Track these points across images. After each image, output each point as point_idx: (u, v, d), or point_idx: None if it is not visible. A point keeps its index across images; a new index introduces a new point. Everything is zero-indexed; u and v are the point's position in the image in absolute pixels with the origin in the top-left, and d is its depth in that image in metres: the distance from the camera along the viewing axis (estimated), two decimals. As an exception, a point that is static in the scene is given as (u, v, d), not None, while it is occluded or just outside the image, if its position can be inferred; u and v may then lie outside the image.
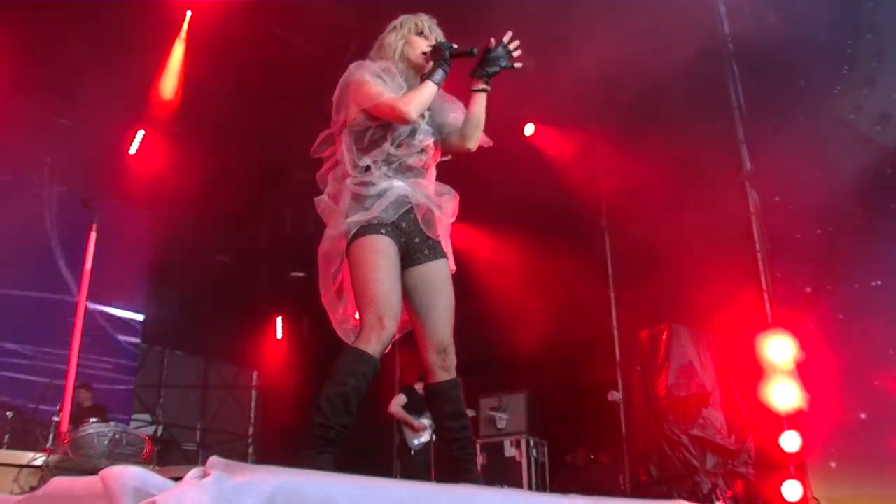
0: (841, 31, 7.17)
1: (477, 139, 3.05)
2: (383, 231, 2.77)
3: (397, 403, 7.60)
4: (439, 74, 2.88)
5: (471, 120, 3.00)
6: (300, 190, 12.45)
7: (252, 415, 13.74)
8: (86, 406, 8.39)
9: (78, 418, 7.24)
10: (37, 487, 2.68)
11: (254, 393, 13.89)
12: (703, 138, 8.40)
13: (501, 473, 8.07)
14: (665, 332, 7.16)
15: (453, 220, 3.07)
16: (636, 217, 8.79)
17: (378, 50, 3.12)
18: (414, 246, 2.88)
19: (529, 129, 10.16)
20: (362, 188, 2.84)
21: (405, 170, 2.91)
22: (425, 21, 3.10)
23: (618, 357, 8.86)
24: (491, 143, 3.14)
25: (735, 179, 8.10)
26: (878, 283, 6.93)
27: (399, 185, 2.85)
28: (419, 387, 7.61)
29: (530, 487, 7.91)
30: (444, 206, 3.00)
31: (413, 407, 7.51)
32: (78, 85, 9.32)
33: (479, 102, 2.99)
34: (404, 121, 2.80)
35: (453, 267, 3.10)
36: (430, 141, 3.00)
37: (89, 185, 9.38)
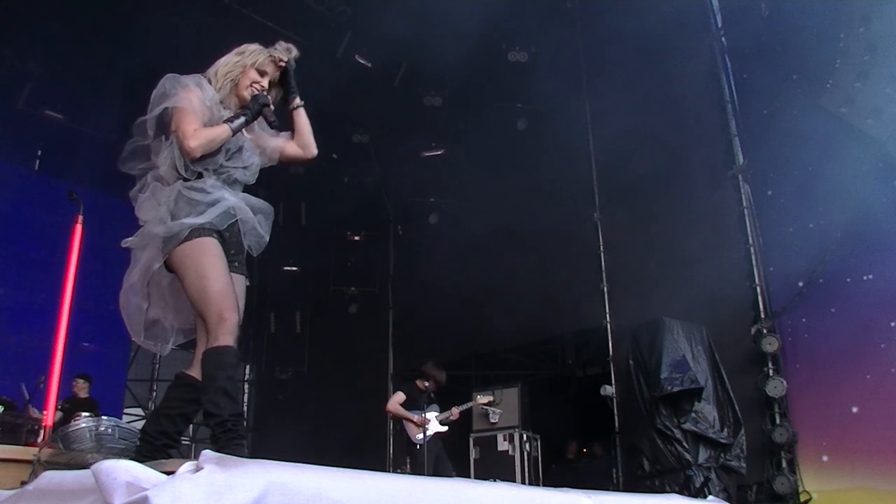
0: (833, 24, 7.18)
1: (314, 145, 3.31)
2: (214, 236, 2.90)
3: (396, 401, 7.55)
4: (239, 122, 3.03)
5: (304, 133, 3.30)
6: (292, 184, 12.44)
7: (245, 409, 13.72)
8: (81, 397, 8.35)
9: (71, 409, 7.21)
10: (28, 482, 2.66)
11: (246, 387, 13.89)
12: (696, 132, 8.42)
13: (494, 467, 8.08)
14: (658, 326, 7.16)
15: (267, 238, 3.16)
16: (630, 211, 8.80)
17: (216, 67, 3.19)
18: (229, 256, 2.99)
19: (522, 124, 10.16)
20: (196, 194, 2.94)
21: (231, 182, 3.06)
22: (265, 58, 3.20)
23: (611, 351, 8.88)
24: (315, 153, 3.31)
25: (728, 173, 8.12)
26: (870, 276, 6.95)
27: (230, 199, 2.99)
28: (420, 383, 7.60)
29: (523, 481, 7.93)
30: (263, 225, 3.13)
31: (412, 403, 7.48)
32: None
33: (304, 115, 3.31)
34: (187, 154, 2.89)
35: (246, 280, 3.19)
36: (254, 160, 3.16)
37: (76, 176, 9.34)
